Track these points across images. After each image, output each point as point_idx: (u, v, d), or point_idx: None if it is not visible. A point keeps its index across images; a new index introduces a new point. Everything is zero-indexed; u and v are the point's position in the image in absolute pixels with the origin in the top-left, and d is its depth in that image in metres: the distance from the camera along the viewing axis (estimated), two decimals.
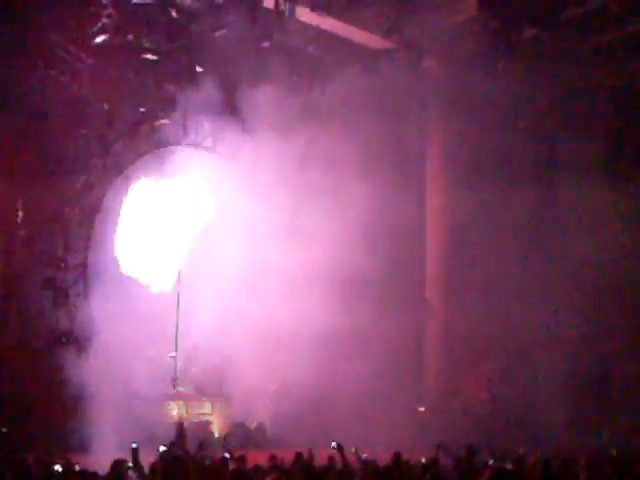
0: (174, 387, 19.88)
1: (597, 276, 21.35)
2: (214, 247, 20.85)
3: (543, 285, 22.22)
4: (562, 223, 22.91)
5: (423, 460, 12.67)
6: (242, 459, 12.02)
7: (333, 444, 11.79)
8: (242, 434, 20.12)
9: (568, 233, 22.03)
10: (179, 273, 20.02)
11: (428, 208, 24.34)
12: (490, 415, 20.29)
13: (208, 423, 20.30)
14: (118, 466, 9.93)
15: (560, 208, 23.38)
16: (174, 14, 21.64)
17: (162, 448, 11.21)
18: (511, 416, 20.42)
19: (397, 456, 12.40)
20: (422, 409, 21.43)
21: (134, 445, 9.92)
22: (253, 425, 20.80)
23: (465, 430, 18.35)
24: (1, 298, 20.36)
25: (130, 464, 9.90)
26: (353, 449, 11.93)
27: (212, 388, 21.06)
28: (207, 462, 11.43)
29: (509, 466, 11.82)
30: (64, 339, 19.73)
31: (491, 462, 12.45)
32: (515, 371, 21.46)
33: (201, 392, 21.00)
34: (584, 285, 21.60)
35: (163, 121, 22.27)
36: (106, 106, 21.02)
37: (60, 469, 11.08)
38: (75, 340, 19.71)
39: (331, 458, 12.23)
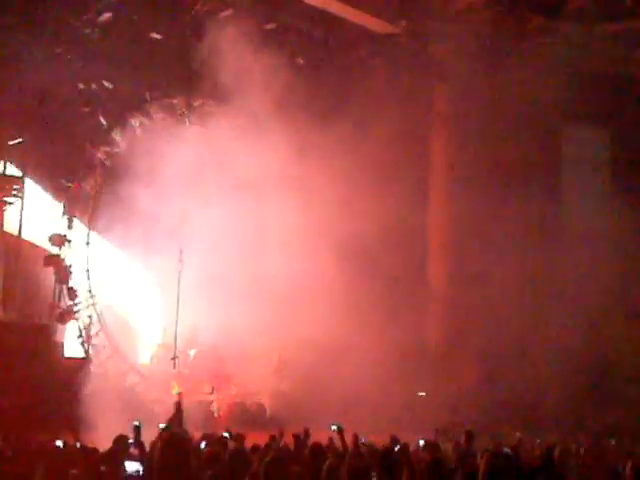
0: (174, 366, 19.93)
1: (598, 278, 21.55)
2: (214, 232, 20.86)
3: (545, 286, 22.35)
4: (566, 230, 23.05)
5: (422, 443, 12.72)
6: (241, 438, 12.06)
7: (333, 426, 11.83)
8: (242, 414, 20.24)
9: (572, 239, 22.23)
10: (180, 253, 19.98)
11: (430, 211, 24.26)
12: (488, 400, 20.34)
13: (208, 402, 20.45)
14: (120, 442, 9.99)
15: (564, 215, 23.50)
16: None
17: (161, 426, 11.27)
18: (509, 401, 20.50)
19: (394, 439, 12.49)
20: (422, 394, 21.51)
21: (136, 423, 9.99)
22: (253, 405, 20.96)
23: (464, 415, 18.45)
24: (5, 275, 20.42)
25: (131, 440, 9.96)
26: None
27: (211, 367, 21.18)
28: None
29: (507, 450, 11.91)
30: (67, 315, 19.85)
31: (490, 447, 12.53)
32: (514, 359, 21.51)
33: (201, 371, 21.11)
34: (585, 286, 21.78)
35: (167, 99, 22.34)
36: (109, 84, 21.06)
37: (61, 445, 11.15)
38: (77, 317, 19.84)
39: (330, 440, 12.27)
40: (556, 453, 12.27)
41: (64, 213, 20.64)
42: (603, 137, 24.31)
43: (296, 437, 12.27)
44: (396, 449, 11.93)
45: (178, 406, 12.34)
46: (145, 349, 22.21)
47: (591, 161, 23.42)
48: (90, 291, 20.77)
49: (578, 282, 22.02)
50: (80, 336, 19.84)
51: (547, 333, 22.37)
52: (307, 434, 12.44)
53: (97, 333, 20.27)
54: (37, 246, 20.76)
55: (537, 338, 22.35)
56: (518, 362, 21.47)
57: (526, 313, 21.93)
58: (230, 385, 21.25)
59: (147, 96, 22.18)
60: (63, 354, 19.31)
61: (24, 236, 20.61)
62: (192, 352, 21.45)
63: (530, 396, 21.10)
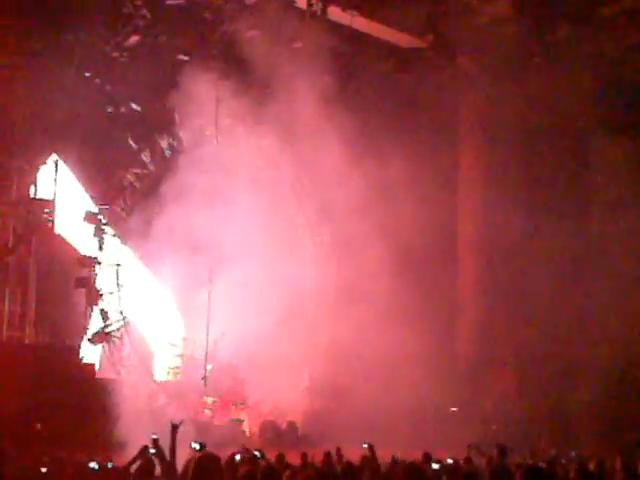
0: (205, 385, 19.94)
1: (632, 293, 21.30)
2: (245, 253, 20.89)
3: (580, 299, 22.12)
4: (597, 247, 22.83)
5: (453, 460, 12.60)
6: (281, 457, 12.02)
7: (365, 445, 11.78)
8: (273, 433, 20.16)
9: (602, 256, 22.00)
10: (210, 272, 20.02)
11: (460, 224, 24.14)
12: (522, 415, 20.13)
13: (239, 422, 20.40)
14: (142, 451, 10.22)
15: (594, 227, 23.28)
16: (207, 15, 21.80)
17: (195, 446, 11.28)
18: (544, 416, 20.26)
19: (428, 455, 12.37)
20: (454, 409, 21.31)
21: (154, 436, 10.06)
22: (284, 424, 20.84)
23: (497, 430, 18.26)
24: (38, 298, 20.56)
25: (152, 450, 10.06)
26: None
27: (231, 385, 21.15)
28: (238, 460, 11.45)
29: (542, 465, 11.74)
30: (98, 337, 19.94)
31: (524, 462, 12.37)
32: (548, 373, 21.27)
33: (230, 393, 21.08)
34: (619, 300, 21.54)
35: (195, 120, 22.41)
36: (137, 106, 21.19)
37: (96, 466, 11.23)
38: (107, 338, 19.93)
39: (363, 457, 12.18)
40: (592, 467, 12.11)
41: (95, 235, 20.76)
42: (632, 147, 24.01)
43: (327, 456, 12.21)
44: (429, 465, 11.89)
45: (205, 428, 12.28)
46: (162, 359, 22.22)
47: (620, 171, 23.09)
48: (122, 312, 20.85)
49: (613, 296, 21.71)
50: (112, 357, 19.92)
51: (582, 345, 22.09)
52: (339, 453, 12.39)
53: (129, 355, 20.34)
54: (68, 268, 20.89)
55: (571, 350, 22.08)
56: (551, 374, 21.25)
57: (560, 325, 21.66)
58: (260, 403, 21.20)
59: (175, 117, 22.27)
60: (94, 375, 19.37)
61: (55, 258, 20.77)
62: (210, 367, 21.24)
63: (565, 409, 20.83)
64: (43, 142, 21.05)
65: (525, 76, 22.70)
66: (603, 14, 23.08)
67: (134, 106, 21.41)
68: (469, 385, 21.81)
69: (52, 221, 20.81)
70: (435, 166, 21.74)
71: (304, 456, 12.53)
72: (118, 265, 21.27)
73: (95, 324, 20.47)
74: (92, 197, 21.24)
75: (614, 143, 23.20)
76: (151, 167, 21.84)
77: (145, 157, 21.88)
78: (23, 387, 17.87)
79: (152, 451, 9.86)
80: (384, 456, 11.93)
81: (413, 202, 20.94)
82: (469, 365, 22.46)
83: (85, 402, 18.17)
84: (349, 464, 10.37)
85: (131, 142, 21.63)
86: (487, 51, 22.87)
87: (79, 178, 21.39)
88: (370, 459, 11.56)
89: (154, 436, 10.14)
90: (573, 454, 14.19)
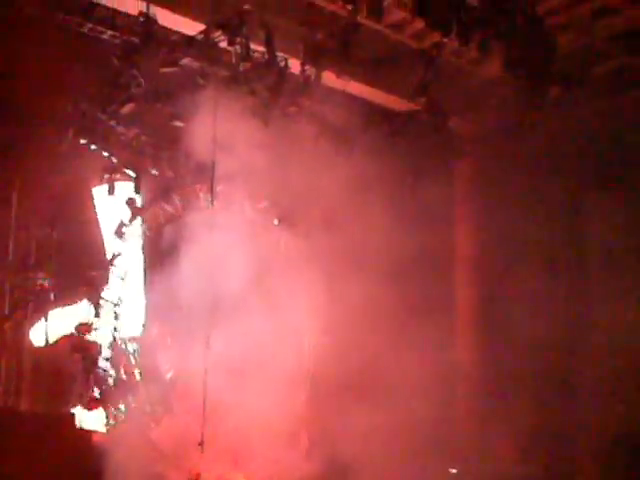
0: (202, 450, 19.72)
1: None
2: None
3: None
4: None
5: None
6: None
7: None
8: None
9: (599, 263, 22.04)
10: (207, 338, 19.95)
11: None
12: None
13: None
14: None
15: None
16: (201, 82, 22.09)
17: None
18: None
19: None
20: (454, 471, 21.11)
21: None
22: None
23: None
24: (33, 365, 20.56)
25: None
26: None
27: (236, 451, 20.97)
28: None
29: None
30: (93, 403, 19.86)
31: None
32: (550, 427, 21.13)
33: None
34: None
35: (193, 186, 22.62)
36: (134, 173, 21.39)
37: None
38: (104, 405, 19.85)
39: None
40: None
41: (90, 301, 20.82)
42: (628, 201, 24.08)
43: None
44: None
45: None
46: None
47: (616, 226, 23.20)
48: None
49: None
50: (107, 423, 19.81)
51: (583, 358, 22.03)
52: None
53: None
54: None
55: (572, 361, 22.02)
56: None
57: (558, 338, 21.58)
58: (258, 470, 20.98)
59: (171, 184, 22.49)
60: (90, 442, 19.24)
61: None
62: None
63: (570, 421, 20.70)
64: (42, 212, 21.26)
65: (518, 135, 22.89)
66: (595, 72, 23.35)
67: (130, 173, 21.59)
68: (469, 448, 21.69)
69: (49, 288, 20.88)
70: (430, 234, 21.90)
71: None
72: (115, 330, 21.29)
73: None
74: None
75: (609, 198, 23.37)
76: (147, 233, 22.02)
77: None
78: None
79: None
80: None
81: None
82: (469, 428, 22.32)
83: (80, 470, 18.08)
84: None
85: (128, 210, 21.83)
86: (479, 112, 23.13)
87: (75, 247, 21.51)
88: None
89: None
90: None
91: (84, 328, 20.61)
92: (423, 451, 19.70)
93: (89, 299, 20.85)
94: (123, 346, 21.29)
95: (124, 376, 21.00)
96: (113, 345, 21.10)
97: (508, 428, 20.93)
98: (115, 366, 20.98)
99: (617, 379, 21.54)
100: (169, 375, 22.09)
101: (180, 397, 20.62)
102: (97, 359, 20.52)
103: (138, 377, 21.39)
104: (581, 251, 23.67)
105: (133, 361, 21.38)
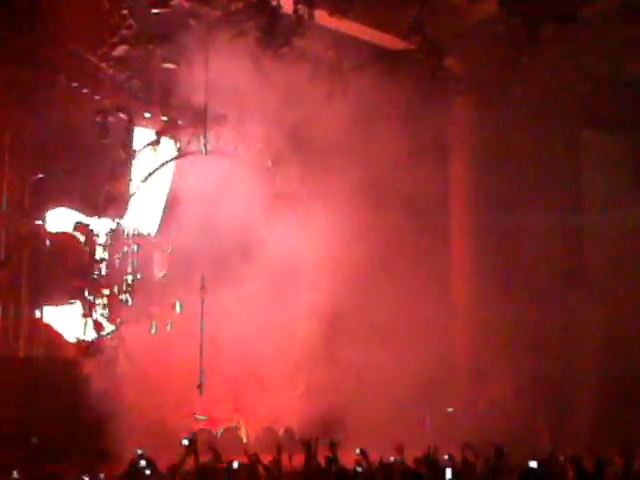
0: (200, 393, 19.84)
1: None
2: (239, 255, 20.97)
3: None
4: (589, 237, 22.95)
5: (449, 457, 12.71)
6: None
7: (357, 450, 11.98)
8: (271, 439, 20.15)
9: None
10: (203, 279, 19.95)
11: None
12: (517, 414, 20.15)
13: (237, 428, 20.46)
14: (133, 465, 10.32)
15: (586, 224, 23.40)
16: (192, 22, 21.76)
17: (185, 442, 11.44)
18: (539, 415, 20.29)
19: (425, 457, 12.46)
20: (451, 410, 21.38)
21: (139, 451, 10.16)
22: (281, 429, 20.88)
23: (493, 429, 18.27)
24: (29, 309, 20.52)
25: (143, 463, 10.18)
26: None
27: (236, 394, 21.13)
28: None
29: (536, 466, 11.75)
30: (91, 350, 19.88)
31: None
32: (543, 370, 21.30)
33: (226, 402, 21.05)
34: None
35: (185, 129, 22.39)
36: (126, 116, 21.13)
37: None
38: (102, 351, 19.88)
39: (357, 462, 12.22)
40: (589, 465, 12.11)
41: (85, 245, 20.70)
42: (625, 144, 24.06)
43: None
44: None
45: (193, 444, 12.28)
46: None
47: (613, 169, 23.22)
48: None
49: (607, 288, 21.84)
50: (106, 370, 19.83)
51: (580, 344, 22.16)
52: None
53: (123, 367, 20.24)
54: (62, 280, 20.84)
55: (570, 350, 22.13)
56: (550, 374, 21.29)
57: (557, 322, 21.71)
58: (256, 410, 21.19)
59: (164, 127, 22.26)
60: (90, 388, 19.28)
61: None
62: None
63: (563, 406, 20.89)
64: (33, 154, 21.00)
65: (513, 75, 22.72)
66: (589, 12, 23.09)
67: (122, 116, 21.32)
68: (466, 387, 21.89)
69: (44, 233, 20.74)
70: (425, 170, 21.78)
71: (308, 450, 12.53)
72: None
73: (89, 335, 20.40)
74: (82, 208, 21.13)
75: (607, 141, 23.34)
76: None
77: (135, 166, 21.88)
78: (18, 400, 17.96)
79: (142, 463, 9.91)
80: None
81: (403, 209, 21.16)
82: (466, 365, 22.51)
83: (81, 415, 18.22)
84: (342, 470, 10.46)
85: (121, 152, 21.60)
86: (475, 52, 22.92)
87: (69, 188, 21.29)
88: (363, 465, 11.65)
89: (139, 451, 10.22)
90: (569, 452, 14.17)
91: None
92: (423, 392, 19.93)
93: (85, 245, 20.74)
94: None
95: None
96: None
97: (506, 369, 21.12)
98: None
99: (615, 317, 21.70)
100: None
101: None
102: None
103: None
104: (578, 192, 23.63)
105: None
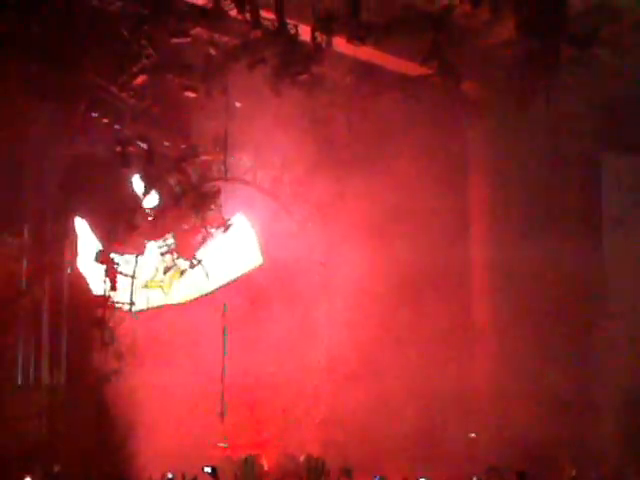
0: (222, 420, 19.87)
1: None
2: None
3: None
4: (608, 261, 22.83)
5: None
6: None
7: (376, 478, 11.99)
8: (292, 466, 20.06)
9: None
10: (225, 307, 20.07)
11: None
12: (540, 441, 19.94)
13: (257, 456, 20.36)
14: None
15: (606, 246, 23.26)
16: (212, 51, 21.93)
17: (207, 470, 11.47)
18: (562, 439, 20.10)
19: None
20: (473, 435, 21.21)
21: (169, 475, 10.17)
22: (302, 457, 20.75)
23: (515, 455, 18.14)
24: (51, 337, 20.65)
25: None
26: None
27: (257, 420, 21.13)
28: None
29: None
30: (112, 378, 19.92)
31: None
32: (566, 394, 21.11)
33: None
34: None
35: (205, 157, 22.54)
36: (146, 145, 21.28)
37: None
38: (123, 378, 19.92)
39: None
40: None
41: (106, 275, 20.82)
42: None
43: None
44: None
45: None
46: None
47: (632, 191, 23.08)
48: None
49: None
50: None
51: (603, 367, 21.97)
52: None
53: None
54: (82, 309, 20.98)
55: (593, 375, 21.95)
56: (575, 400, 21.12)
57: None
58: (276, 437, 21.16)
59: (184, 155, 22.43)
60: (110, 416, 19.32)
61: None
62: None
63: (586, 428, 20.68)
64: (53, 185, 21.21)
65: (532, 99, 22.67)
66: (607, 32, 23.06)
67: (142, 145, 21.48)
68: (489, 411, 21.71)
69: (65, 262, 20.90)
70: (443, 192, 21.77)
71: None
72: (132, 304, 21.32)
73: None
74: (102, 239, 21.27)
75: (627, 163, 23.23)
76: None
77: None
78: (40, 429, 18.08)
79: None
80: None
81: (420, 230, 21.14)
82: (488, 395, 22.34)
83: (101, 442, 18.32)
84: None
85: (140, 181, 21.76)
86: (491, 74, 22.92)
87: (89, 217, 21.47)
88: None
89: (169, 475, 10.26)
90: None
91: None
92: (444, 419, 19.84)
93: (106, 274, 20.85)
94: None
95: None
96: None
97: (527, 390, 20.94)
98: None
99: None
100: None
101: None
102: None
103: None
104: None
105: None
